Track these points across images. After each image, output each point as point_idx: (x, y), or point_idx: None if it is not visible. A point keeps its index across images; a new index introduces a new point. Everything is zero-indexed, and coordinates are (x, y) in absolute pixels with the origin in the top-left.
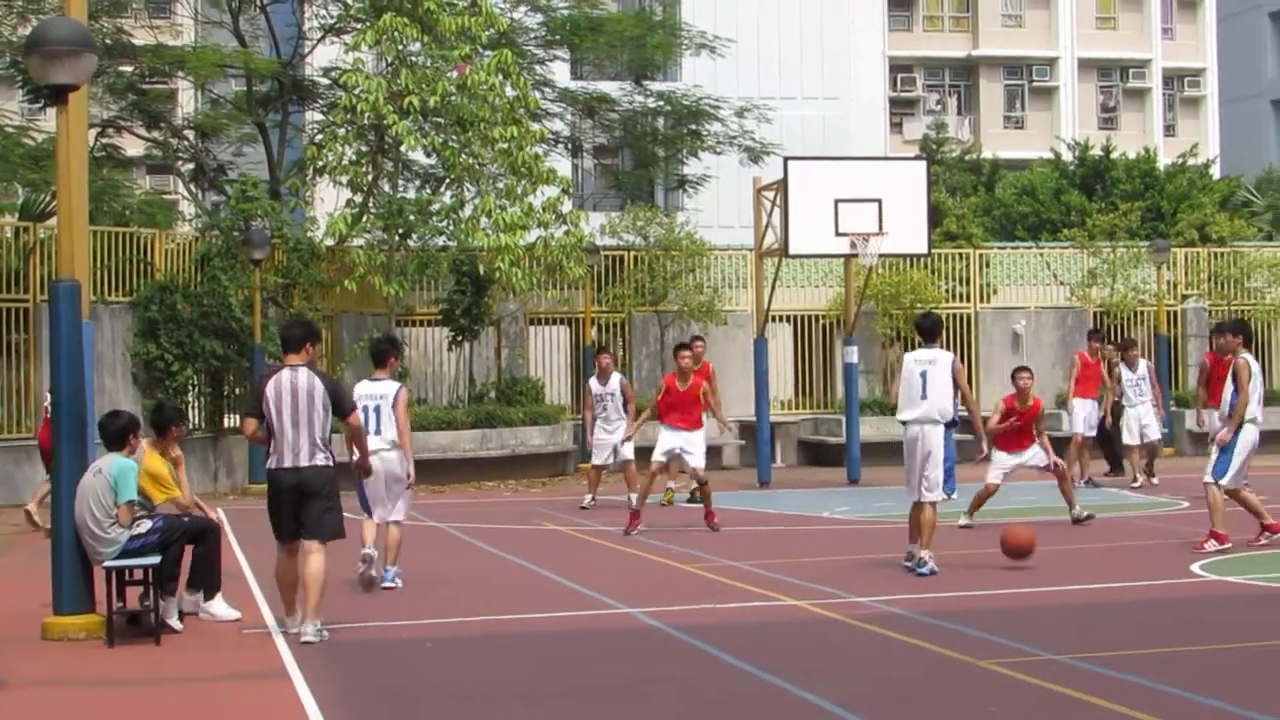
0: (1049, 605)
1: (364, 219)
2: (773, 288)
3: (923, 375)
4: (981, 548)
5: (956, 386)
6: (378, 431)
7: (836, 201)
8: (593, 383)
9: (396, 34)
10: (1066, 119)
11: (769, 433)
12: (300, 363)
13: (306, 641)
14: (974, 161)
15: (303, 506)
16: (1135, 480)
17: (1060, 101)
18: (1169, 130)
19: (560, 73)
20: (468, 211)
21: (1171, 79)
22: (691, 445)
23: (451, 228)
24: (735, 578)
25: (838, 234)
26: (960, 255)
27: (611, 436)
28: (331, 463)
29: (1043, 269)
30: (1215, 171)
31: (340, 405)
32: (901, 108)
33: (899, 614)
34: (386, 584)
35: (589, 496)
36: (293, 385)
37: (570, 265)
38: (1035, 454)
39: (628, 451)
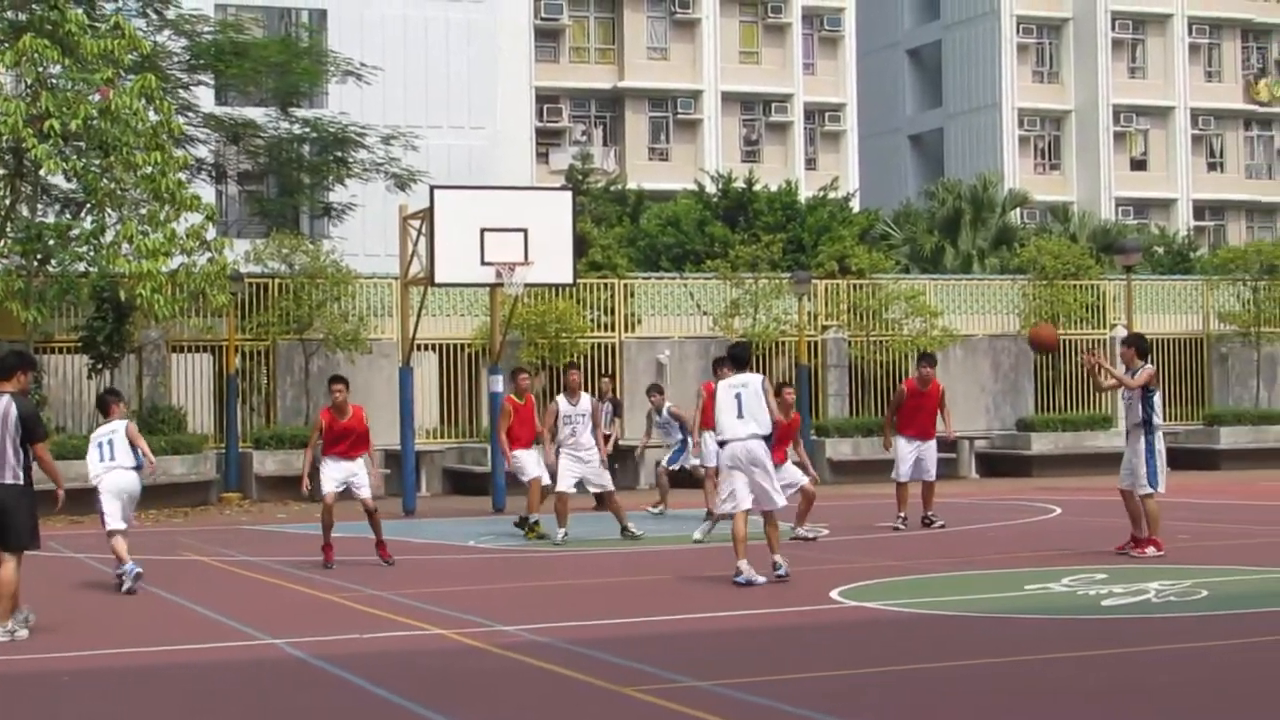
0: (693, 632)
1: (1, 244)
2: (418, 316)
3: (737, 397)
4: (630, 574)
5: (767, 402)
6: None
7: (482, 231)
8: (560, 401)
9: (36, 55)
10: (710, 151)
11: (414, 461)
12: (10, 390)
13: None
14: (619, 192)
15: None
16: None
17: (704, 134)
18: (810, 164)
19: (205, 98)
20: (109, 237)
21: (813, 113)
22: (358, 477)
23: (93, 253)
24: (380, 607)
25: (483, 263)
26: (605, 285)
27: (582, 465)
28: (21, 481)
29: (687, 299)
30: (855, 205)
31: (32, 433)
32: (548, 138)
33: (545, 642)
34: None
35: (561, 531)
36: None
37: (214, 292)
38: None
39: (606, 480)
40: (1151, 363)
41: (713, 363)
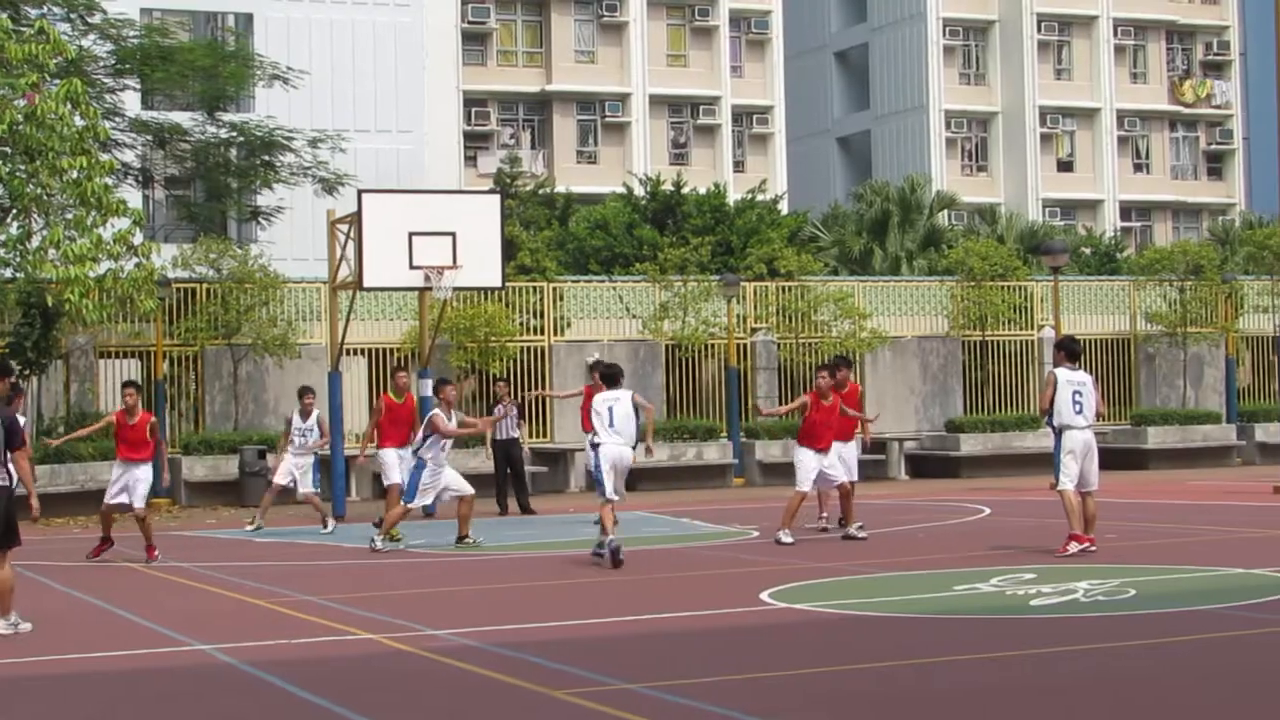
0: (624, 635)
1: None
2: (347, 321)
3: (610, 409)
4: (559, 577)
5: (638, 411)
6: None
7: (411, 234)
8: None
9: None
10: (639, 154)
11: (344, 465)
12: None
13: None
14: (548, 195)
15: None
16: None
17: (632, 137)
18: (738, 166)
19: (131, 102)
20: (35, 242)
21: (741, 116)
22: (139, 484)
23: (19, 259)
24: (310, 612)
25: (412, 267)
26: (535, 289)
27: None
28: (7, 481)
29: (616, 302)
30: (783, 207)
31: (10, 439)
32: (476, 141)
33: (474, 646)
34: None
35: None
36: None
37: (141, 298)
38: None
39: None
40: (1081, 365)
41: (590, 369)
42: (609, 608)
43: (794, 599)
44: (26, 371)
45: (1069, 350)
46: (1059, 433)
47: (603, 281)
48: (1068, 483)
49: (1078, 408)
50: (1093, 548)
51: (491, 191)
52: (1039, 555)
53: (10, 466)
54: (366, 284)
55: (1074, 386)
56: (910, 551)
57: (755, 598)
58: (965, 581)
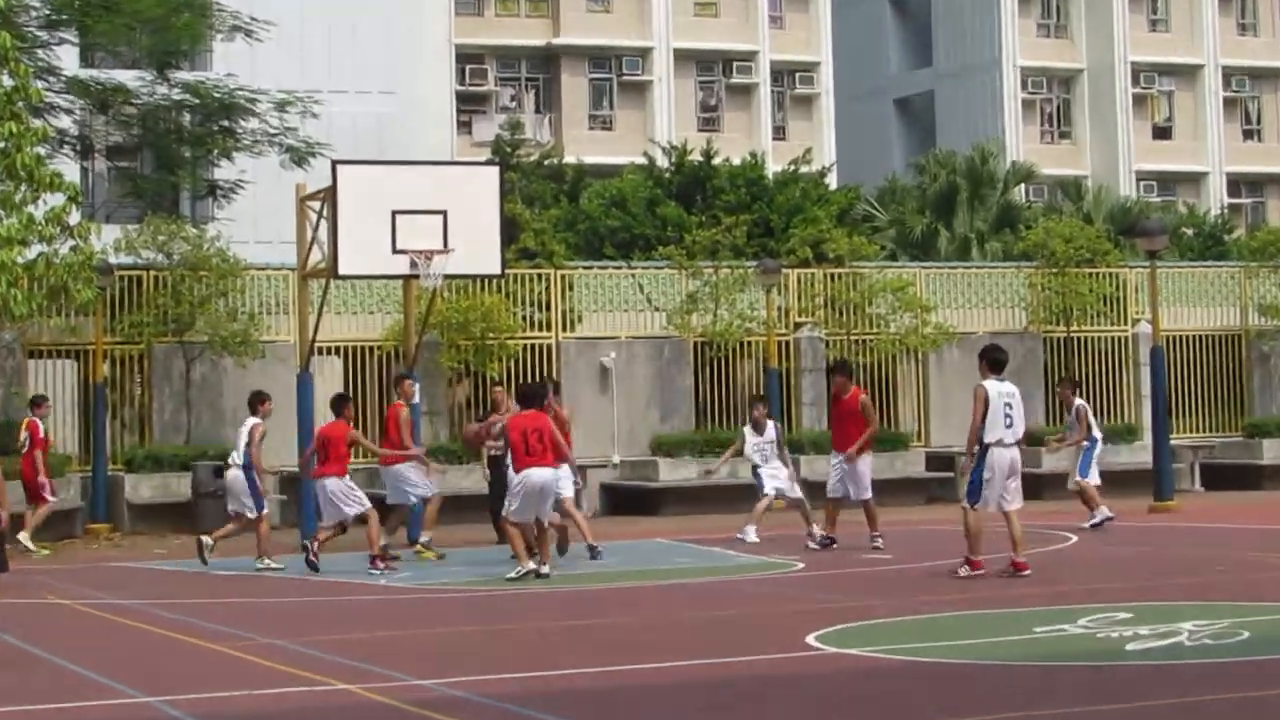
0: (645, 686)
1: None
2: (319, 314)
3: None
4: (569, 618)
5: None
6: None
7: (394, 213)
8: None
9: None
10: (661, 119)
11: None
12: None
13: None
14: (555, 167)
15: None
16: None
17: (654, 99)
18: (779, 133)
19: (68, 59)
20: None
21: (781, 74)
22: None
23: None
24: (275, 658)
25: (395, 251)
26: (540, 277)
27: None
28: None
29: (635, 293)
30: (832, 181)
31: None
32: (471, 104)
33: (466, 699)
34: None
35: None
36: None
37: (78, 287)
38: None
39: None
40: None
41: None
42: (627, 654)
43: (846, 642)
44: None
45: (993, 360)
46: (983, 450)
47: (620, 268)
48: (979, 504)
49: (1008, 421)
50: (1027, 573)
51: (489, 163)
52: (1136, 590)
53: None
54: (342, 271)
55: (1005, 398)
56: (982, 586)
57: (800, 641)
58: (1048, 622)
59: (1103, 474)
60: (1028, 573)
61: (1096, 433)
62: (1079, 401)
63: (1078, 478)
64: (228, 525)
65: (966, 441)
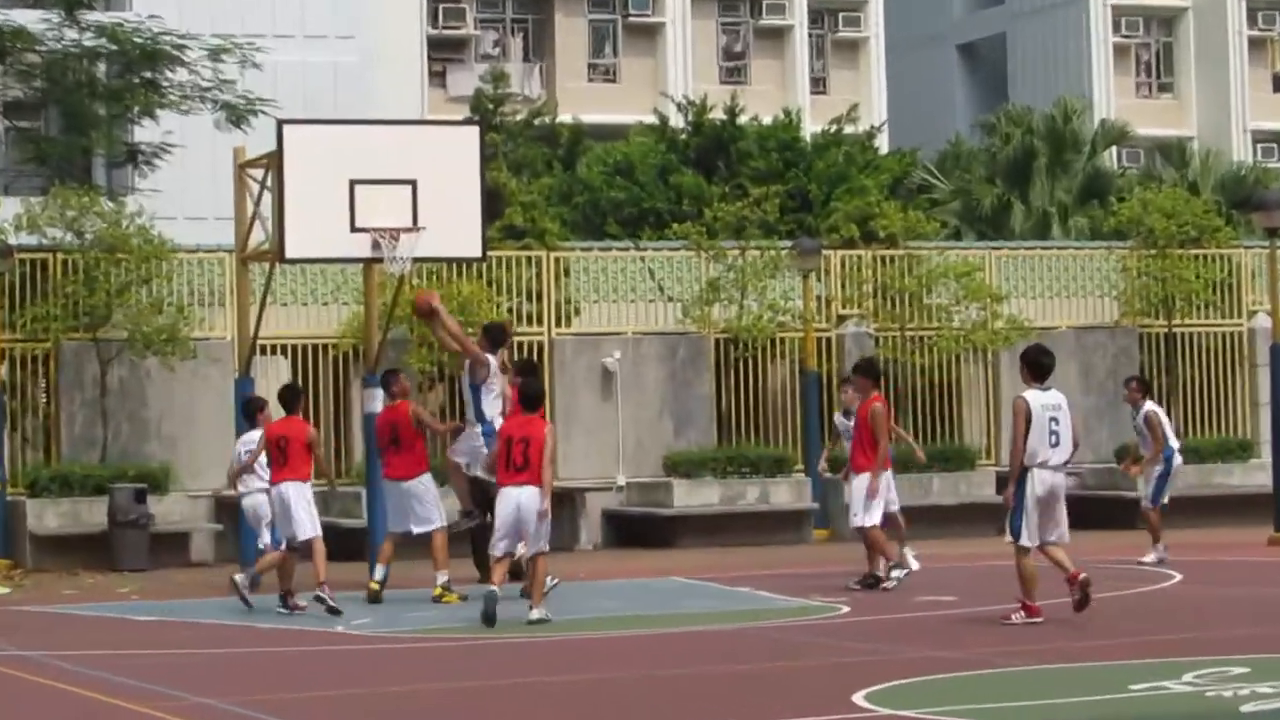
0: None
1: None
2: (262, 306)
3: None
4: (570, 671)
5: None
6: None
7: (353, 183)
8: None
9: None
10: (676, 69)
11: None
12: None
13: None
14: (548, 128)
15: None
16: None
17: (667, 45)
18: (818, 86)
19: None
20: None
21: (821, 15)
22: None
23: None
24: None
25: (354, 229)
26: (530, 260)
27: None
28: None
29: (645, 279)
30: (882, 144)
31: None
32: (445, 51)
33: None
34: None
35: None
36: None
37: None
38: None
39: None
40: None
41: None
42: (641, 714)
43: (900, 702)
44: None
45: (1035, 364)
46: (1023, 471)
47: (626, 250)
48: (1026, 539)
49: (1054, 439)
50: (1039, 619)
51: (468, 122)
52: (1252, 640)
53: None
54: (290, 254)
55: (1050, 411)
56: (1065, 635)
57: (846, 700)
58: (1147, 678)
59: (1211, 499)
60: (1039, 619)
61: (1174, 443)
62: (1149, 405)
63: (1148, 503)
64: (270, 555)
65: (1010, 465)
